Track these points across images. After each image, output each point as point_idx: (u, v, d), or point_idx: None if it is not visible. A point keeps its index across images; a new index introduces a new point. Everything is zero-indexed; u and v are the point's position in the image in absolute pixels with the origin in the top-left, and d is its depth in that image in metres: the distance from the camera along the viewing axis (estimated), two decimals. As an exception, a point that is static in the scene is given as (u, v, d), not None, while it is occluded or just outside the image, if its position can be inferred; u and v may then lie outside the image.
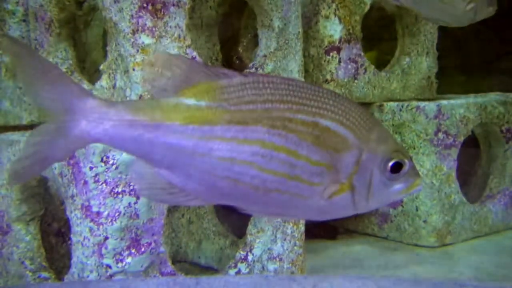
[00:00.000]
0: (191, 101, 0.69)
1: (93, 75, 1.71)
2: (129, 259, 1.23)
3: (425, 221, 1.84)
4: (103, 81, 1.40)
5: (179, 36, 1.31)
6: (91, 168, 1.20)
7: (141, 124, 0.68)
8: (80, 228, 1.24)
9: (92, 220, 1.22)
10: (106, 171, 1.21)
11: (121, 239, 1.23)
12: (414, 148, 1.84)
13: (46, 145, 0.70)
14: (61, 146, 0.70)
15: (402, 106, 1.88)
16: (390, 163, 0.71)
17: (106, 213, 1.22)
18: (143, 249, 1.24)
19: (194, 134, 0.68)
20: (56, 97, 0.68)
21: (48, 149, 0.70)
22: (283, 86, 0.69)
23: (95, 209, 1.21)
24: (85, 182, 1.21)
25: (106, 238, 1.22)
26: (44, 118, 0.73)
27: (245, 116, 0.68)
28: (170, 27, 1.30)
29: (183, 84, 0.69)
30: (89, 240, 1.23)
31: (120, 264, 1.23)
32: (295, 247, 1.44)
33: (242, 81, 0.69)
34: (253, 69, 1.48)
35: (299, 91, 0.69)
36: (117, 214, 1.22)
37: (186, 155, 0.68)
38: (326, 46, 1.86)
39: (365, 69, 1.91)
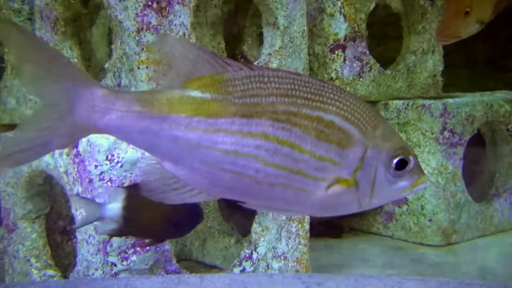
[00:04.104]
0: (196, 94, 0.68)
1: (98, 74, 1.71)
2: (134, 257, 1.23)
3: (430, 220, 1.83)
4: (108, 80, 1.41)
5: (184, 34, 1.31)
6: (96, 166, 1.21)
7: (148, 116, 0.68)
8: (86, 226, 1.24)
9: (97, 218, 1.22)
10: (111, 169, 1.21)
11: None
12: (420, 147, 1.83)
13: (49, 130, 0.67)
14: (64, 133, 0.68)
15: (408, 105, 1.87)
16: (395, 160, 0.71)
17: (111, 211, 1.22)
18: (148, 247, 1.24)
19: (199, 127, 0.68)
20: (61, 85, 0.67)
21: (50, 135, 0.67)
22: (289, 80, 0.69)
23: (100, 207, 1.21)
24: (90, 180, 1.21)
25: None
26: (47, 106, 0.70)
27: (250, 109, 0.67)
28: (175, 25, 1.30)
29: (189, 76, 0.69)
30: (94, 238, 1.23)
31: (125, 262, 1.23)
32: (300, 246, 1.44)
33: (247, 75, 0.68)
34: (258, 67, 1.48)
35: (305, 85, 0.69)
36: (122, 212, 1.22)
37: (191, 148, 0.68)
38: (331, 44, 1.86)
39: (370, 67, 1.90)
